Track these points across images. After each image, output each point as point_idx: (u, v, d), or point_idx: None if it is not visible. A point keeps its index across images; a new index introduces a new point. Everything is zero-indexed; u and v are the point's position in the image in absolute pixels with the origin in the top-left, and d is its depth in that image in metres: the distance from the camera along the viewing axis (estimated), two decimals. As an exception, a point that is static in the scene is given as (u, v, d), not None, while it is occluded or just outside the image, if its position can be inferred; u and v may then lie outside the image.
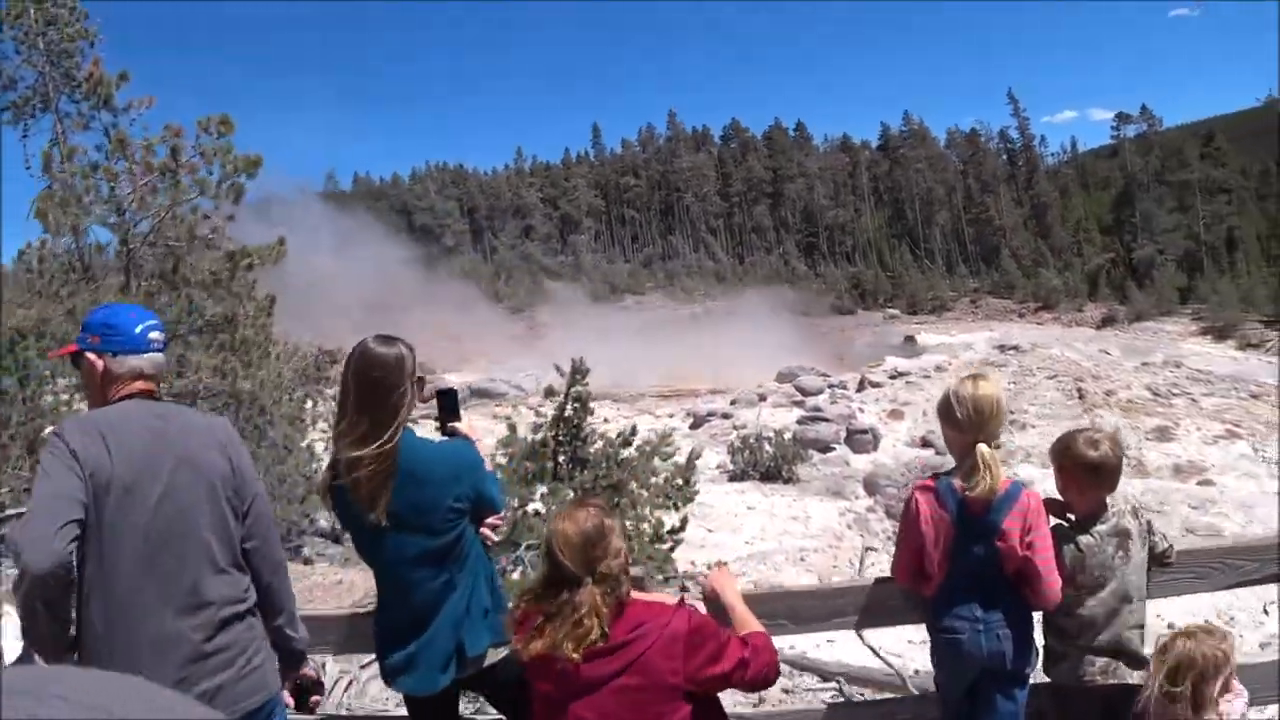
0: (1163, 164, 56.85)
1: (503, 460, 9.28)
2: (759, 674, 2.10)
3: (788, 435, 20.39)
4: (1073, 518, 2.64)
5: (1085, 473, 2.55)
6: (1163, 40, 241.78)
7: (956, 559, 2.46)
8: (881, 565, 11.72)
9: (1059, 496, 2.66)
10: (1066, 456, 2.58)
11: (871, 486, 17.25)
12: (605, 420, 26.26)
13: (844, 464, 20.04)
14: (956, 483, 2.47)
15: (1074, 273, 54.04)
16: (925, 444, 22.93)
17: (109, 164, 6.95)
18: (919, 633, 2.80)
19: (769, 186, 75.52)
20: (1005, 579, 2.46)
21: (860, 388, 28.09)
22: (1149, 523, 2.70)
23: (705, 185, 76.73)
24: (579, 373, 9.84)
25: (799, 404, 26.23)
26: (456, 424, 2.77)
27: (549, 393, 10.25)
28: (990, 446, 2.45)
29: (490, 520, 2.62)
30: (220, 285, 7.18)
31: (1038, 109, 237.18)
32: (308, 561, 9.70)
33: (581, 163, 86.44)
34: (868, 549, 12.39)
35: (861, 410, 25.24)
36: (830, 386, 27.98)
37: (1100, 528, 2.57)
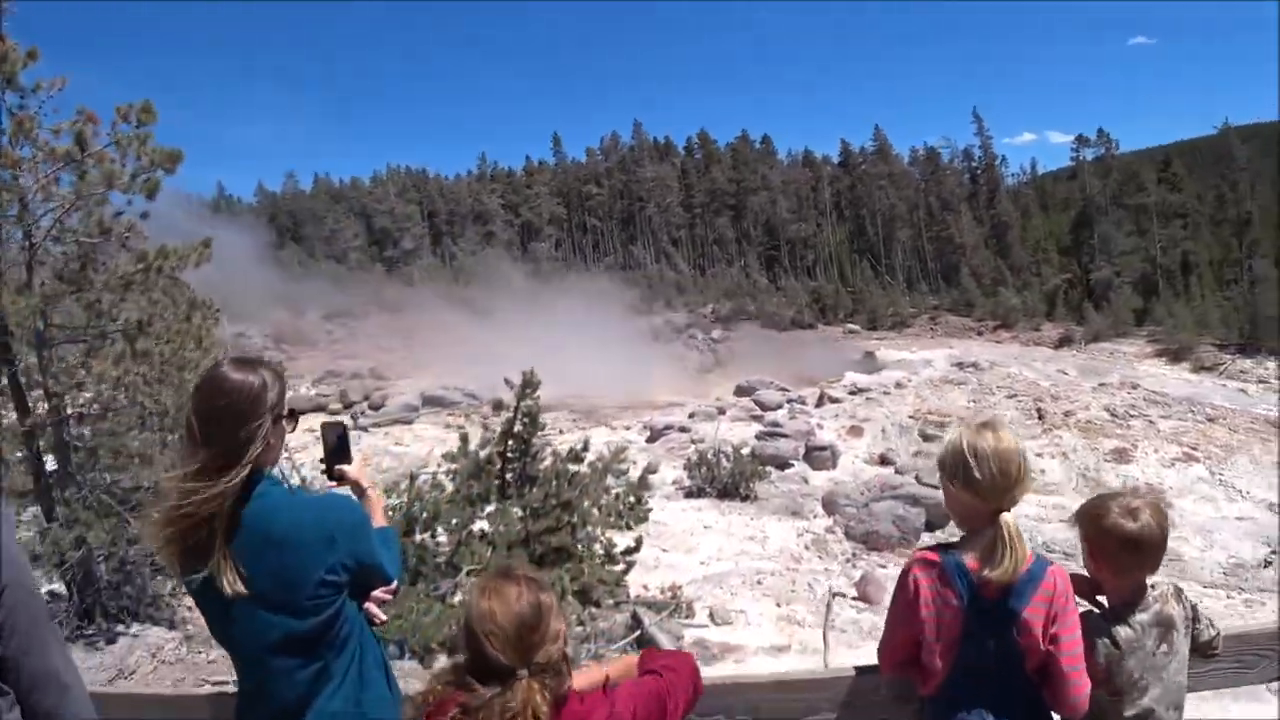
0: (1120, 187, 57.43)
1: (446, 480, 8.73)
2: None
3: (746, 451, 19.99)
4: (1105, 602, 2.11)
5: (1122, 549, 2.01)
6: (1121, 67, 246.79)
7: (964, 653, 1.92)
8: (852, 619, 11.32)
9: (1084, 571, 2.17)
10: (1097, 528, 2.05)
11: (830, 506, 16.87)
12: (560, 431, 25.94)
13: (802, 481, 19.66)
14: (969, 561, 1.92)
15: (1032, 292, 54.34)
16: (884, 461, 22.67)
17: (10, 149, 6.30)
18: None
19: (732, 199, 75.34)
20: (1022, 678, 1.92)
21: (819, 403, 27.79)
22: (1194, 606, 2.16)
23: (668, 195, 76.41)
24: (529, 386, 9.29)
25: (758, 418, 25.87)
26: (345, 467, 2.24)
27: (497, 406, 9.72)
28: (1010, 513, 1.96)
29: (378, 593, 2.09)
30: (132, 289, 6.52)
31: (998, 131, 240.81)
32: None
33: (543, 170, 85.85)
34: (835, 594, 11.84)
35: (820, 426, 24.90)
36: (789, 401, 27.66)
37: (1140, 616, 2.04)
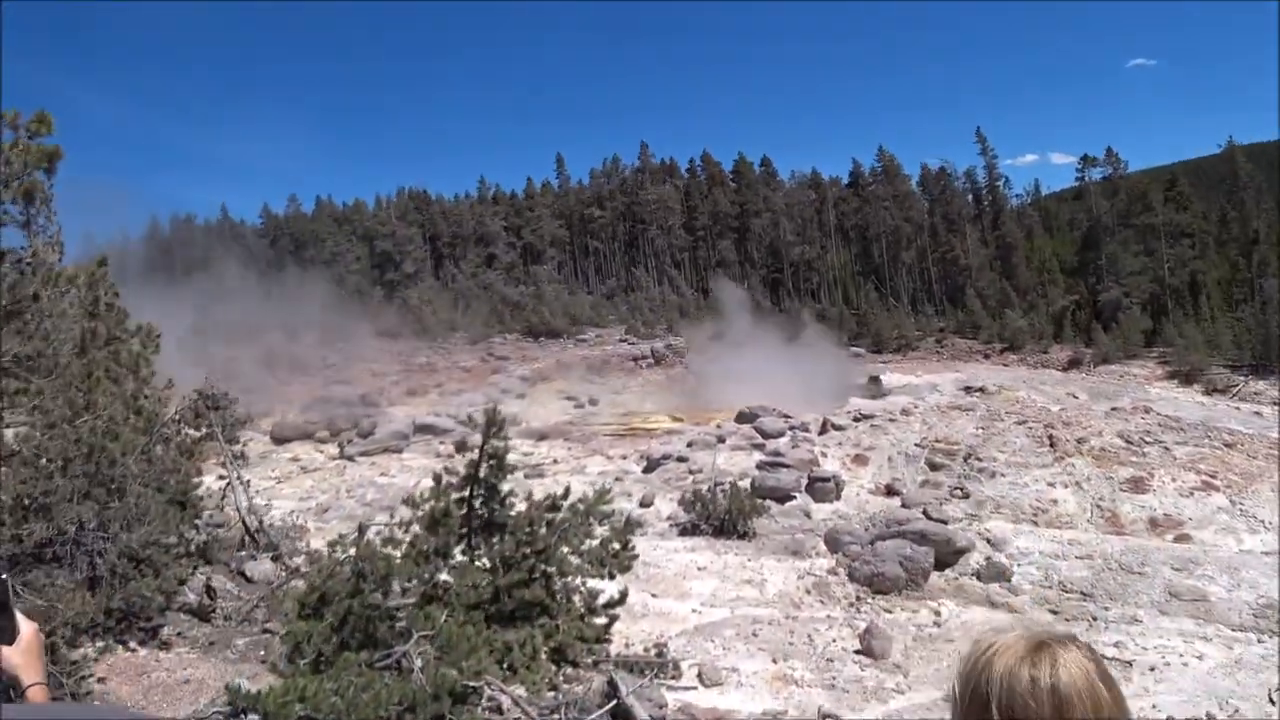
0: (1128, 207, 56.64)
1: (400, 533, 7.91)
2: None
3: (745, 482, 19.14)
4: None
5: None
6: (1123, 88, 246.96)
7: None
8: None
9: None
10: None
11: (833, 544, 15.96)
12: (555, 461, 25.13)
13: (804, 515, 18.75)
14: None
15: (1039, 314, 53.45)
16: (890, 492, 21.83)
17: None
18: None
19: (735, 221, 74.63)
20: None
21: (823, 430, 26.90)
22: None
23: (671, 218, 75.71)
24: (494, 425, 8.46)
25: (759, 447, 24.98)
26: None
27: (460, 448, 8.89)
28: None
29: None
30: (18, 316, 5.73)
31: (1000, 152, 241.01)
32: (165, 645, 8.21)
33: (546, 192, 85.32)
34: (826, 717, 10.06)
35: (824, 455, 24.05)
36: (792, 429, 26.76)
37: None
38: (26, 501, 6.47)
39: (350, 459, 25.05)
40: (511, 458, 8.60)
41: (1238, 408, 34.28)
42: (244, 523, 11.47)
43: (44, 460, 6.24)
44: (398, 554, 7.41)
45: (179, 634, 8.45)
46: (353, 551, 7.33)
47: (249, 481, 12.68)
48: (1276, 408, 33.60)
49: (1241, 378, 38.62)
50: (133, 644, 7.95)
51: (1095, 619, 13.33)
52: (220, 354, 40.85)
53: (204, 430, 11.36)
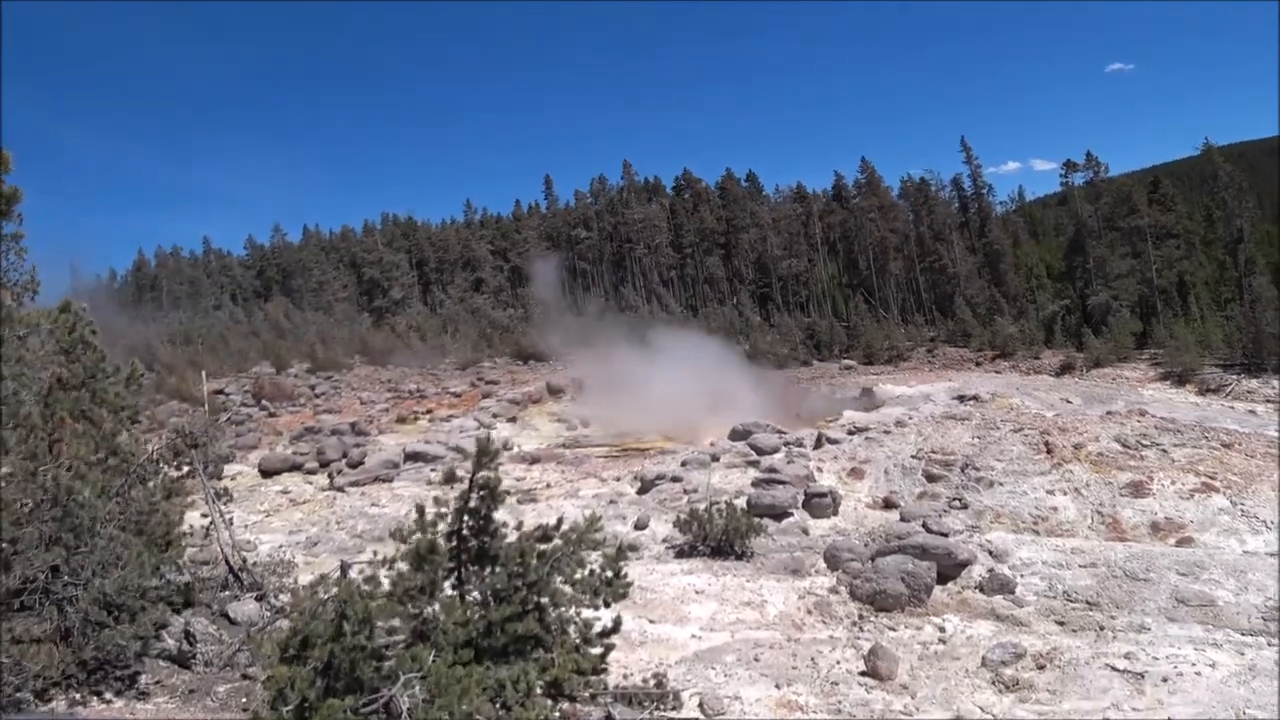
0: (1113, 210, 56.72)
1: (386, 571, 7.59)
2: None
3: (741, 500, 18.84)
4: None
5: None
6: (1101, 93, 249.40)
7: None
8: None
9: None
10: None
11: (833, 561, 15.66)
12: (548, 485, 24.82)
13: (802, 533, 18.46)
14: None
15: (1029, 320, 53.42)
16: (888, 505, 21.60)
17: None
18: None
19: (722, 237, 74.64)
20: None
21: (818, 444, 26.63)
22: None
23: (657, 236, 75.70)
24: (486, 455, 8.15)
25: (754, 464, 24.69)
26: None
27: (449, 478, 8.59)
28: None
29: None
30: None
31: (983, 161, 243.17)
32: (143, 695, 7.87)
33: (533, 214, 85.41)
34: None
35: (820, 469, 23.78)
36: (786, 444, 26.48)
37: None
38: (-8, 551, 6.20)
39: (340, 490, 24.64)
40: (504, 483, 8.32)
41: (1232, 407, 34.23)
42: (227, 562, 11.14)
43: (7, 507, 5.96)
44: (383, 591, 7.08)
45: (157, 682, 8.11)
46: (335, 591, 7.02)
47: (232, 519, 12.36)
48: (1271, 405, 33.56)
49: (1234, 377, 38.61)
50: (108, 695, 7.62)
51: (1103, 628, 13.05)
52: (206, 387, 40.57)
53: (185, 468, 11.06)
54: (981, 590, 14.58)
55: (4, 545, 6.33)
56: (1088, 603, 14.08)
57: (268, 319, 66.81)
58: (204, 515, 11.98)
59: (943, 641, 12.41)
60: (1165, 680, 10.82)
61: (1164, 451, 24.02)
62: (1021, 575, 14.92)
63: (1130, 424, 26.78)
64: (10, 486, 5.89)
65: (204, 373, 43.01)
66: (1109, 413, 29.63)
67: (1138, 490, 21.23)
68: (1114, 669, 11.16)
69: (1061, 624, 13.36)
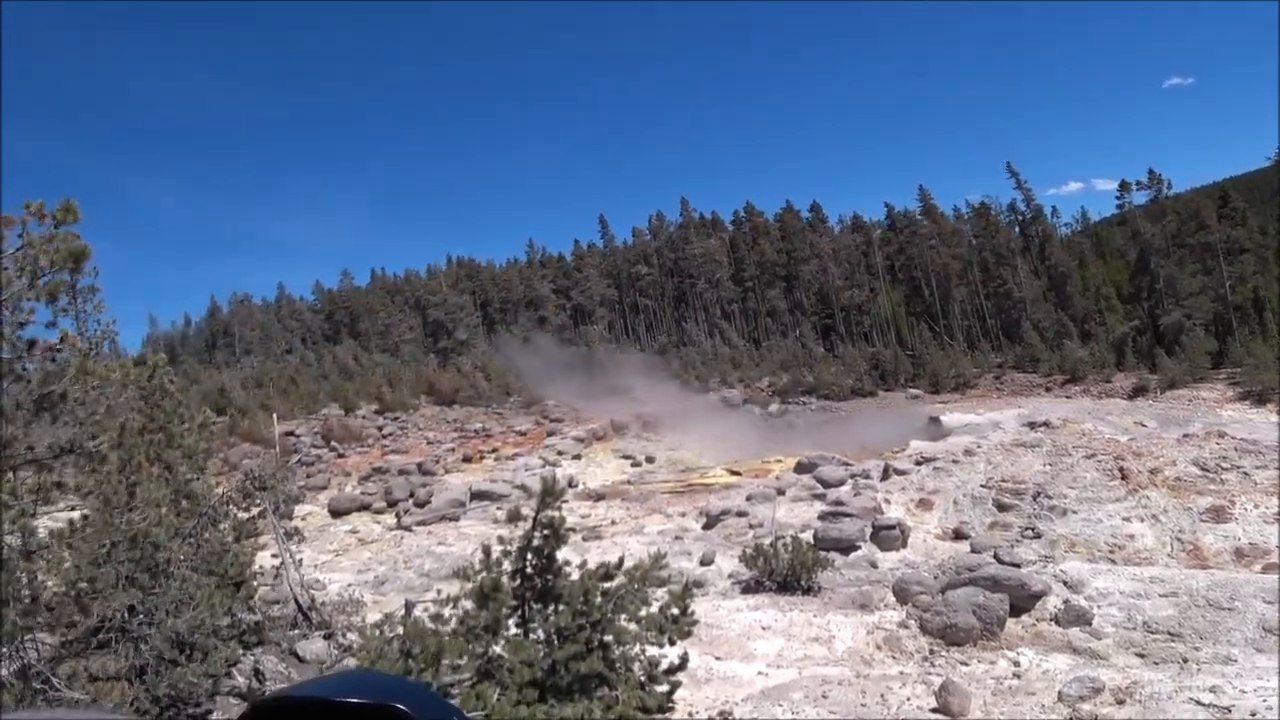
0: (1180, 227, 55.33)
1: (450, 610, 7.67)
2: None
3: (807, 534, 18.64)
4: None
5: None
6: (1161, 110, 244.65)
7: None
8: None
9: None
10: None
11: (902, 595, 15.39)
12: (613, 522, 24.83)
13: (870, 566, 18.18)
14: None
15: (1099, 343, 52.13)
16: (958, 536, 21.19)
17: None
18: None
19: (782, 269, 74.50)
20: None
21: (885, 476, 26.28)
22: None
23: (718, 270, 75.81)
24: (550, 494, 8.23)
25: (820, 497, 24.46)
26: None
27: (513, 517, 8.68)
28: None
29: None
30: (49, 410, 5.70)
31: (1044, 183, 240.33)
32: (219, 735, 8.04)
33: (593, 252, 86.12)
34: None
35: (887, 501, 23.45)
36: (852, 476, 26.18)
37: None
38: (73, 592, 6.43)
39: (407, 529, 24.97)
40: (569, 520, 8.38)
41: (1316, 427, 32.95)
42: (296, 601, 11.36)
43: (87, 548, 6.20)
44: (448, 629, 7.16)
45: (227, 719, 8.28)
46: (400, 630, 7.12)
47: (301, 559, 12.61)
48: (1358, 425, 32.24)
49: (1320, 395, 37.16)
50: (183, 733, 7.80)
51: (1186, 660, 12.58)
52: (278, 429, 41.50)
53: (255, 510, 11.34)
54: (1057, 622, 14.17)
55: (83, 585, 6.56)
56: (1169, 634, 13.61)
57: (336, 362, 68.20)
58: (274, 555, 12.25)
59: (1017, 676, 12.08)
60: (1253, 715, 10.38)
61: (1245, 474, 23.23)
62: (1098, 606, 14.48)
63: (1209, 446, 25.97)
64: (89, 530, 6.13)
65: (274, 415, 44.02)
66: (1186, 435, 28.71)
67: (1219, 515, 20.56)
68: (1199, 703, 10.73)
69: (1142, 656, 12.91)
